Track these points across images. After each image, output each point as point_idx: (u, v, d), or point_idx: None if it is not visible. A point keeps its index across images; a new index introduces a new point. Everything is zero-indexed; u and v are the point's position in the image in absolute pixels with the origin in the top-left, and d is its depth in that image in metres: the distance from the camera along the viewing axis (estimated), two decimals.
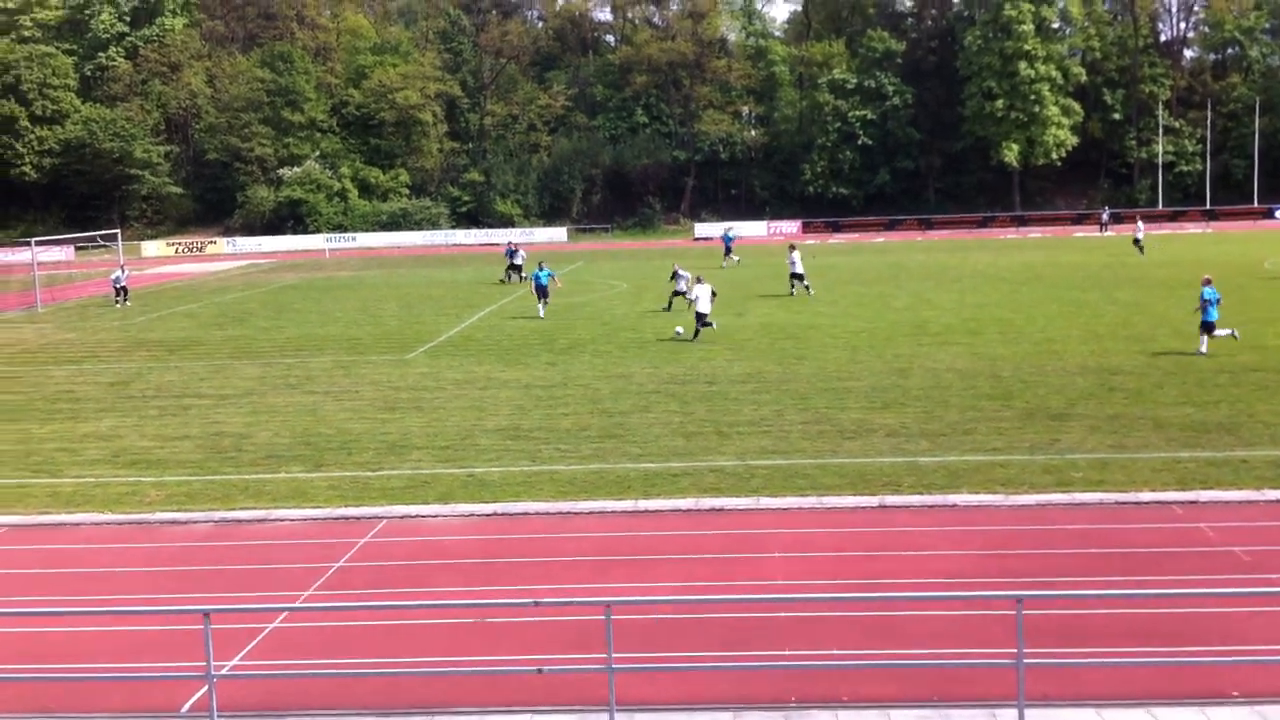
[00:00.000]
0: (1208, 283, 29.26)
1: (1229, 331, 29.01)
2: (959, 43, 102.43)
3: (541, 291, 41.51)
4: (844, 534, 16.03)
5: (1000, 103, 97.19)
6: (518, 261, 54.90)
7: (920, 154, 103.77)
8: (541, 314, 40.70)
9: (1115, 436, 20.43)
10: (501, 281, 54.52)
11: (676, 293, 41.81)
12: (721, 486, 18.16)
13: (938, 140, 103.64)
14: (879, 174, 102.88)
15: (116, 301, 50.68)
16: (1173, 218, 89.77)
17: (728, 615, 13.04)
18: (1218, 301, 28.76)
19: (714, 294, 35.32)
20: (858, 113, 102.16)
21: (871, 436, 21.02)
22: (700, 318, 33.96)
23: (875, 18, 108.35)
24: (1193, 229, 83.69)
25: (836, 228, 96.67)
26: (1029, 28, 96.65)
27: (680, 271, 42.36)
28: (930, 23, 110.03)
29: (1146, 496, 17.01)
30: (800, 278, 44.99)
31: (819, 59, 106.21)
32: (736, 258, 61.67)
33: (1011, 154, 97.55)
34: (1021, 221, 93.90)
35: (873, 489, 17.79)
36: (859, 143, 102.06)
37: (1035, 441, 20.25)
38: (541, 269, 42.44)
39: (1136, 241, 61.57)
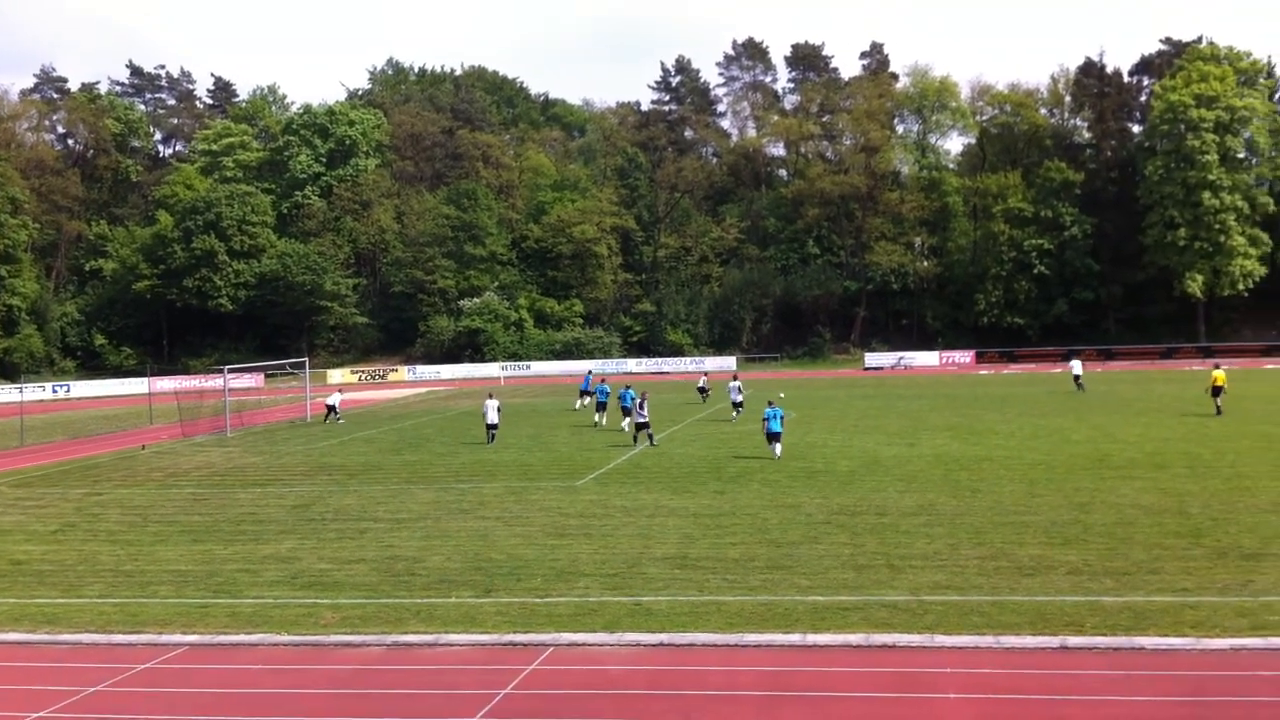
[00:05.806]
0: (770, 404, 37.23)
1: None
2: (1140, 173, 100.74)
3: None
4: (1023, 675, 15.38)
5: (1183, 232, 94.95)
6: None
7: (1100, 284, 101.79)
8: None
9: None
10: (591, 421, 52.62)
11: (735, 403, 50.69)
12: (894, 622, 17.66)
13: (1118, 270, 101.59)
14: (1056, 304, 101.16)
15: (328, 419, 57.23)
16: None
17: None
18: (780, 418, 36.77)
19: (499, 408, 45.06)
20: (1034, 242, 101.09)
21: (1051, 574, 20.24)
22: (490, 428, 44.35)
23: (1052, 149, 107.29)
24: None
25: (1012, 358, 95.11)
26: (1213, 158, 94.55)
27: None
28: (1109, 153, 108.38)
29: None
30: (738, 405, 50.86)
31: (994, 190, 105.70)
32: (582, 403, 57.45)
33: (1195, 284, 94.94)
34: (1207, 353, 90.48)
35: (1053, 628, 17.07)
36: (1035, 272, 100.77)
37: (1227, 582, 19.20)
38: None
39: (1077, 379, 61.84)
